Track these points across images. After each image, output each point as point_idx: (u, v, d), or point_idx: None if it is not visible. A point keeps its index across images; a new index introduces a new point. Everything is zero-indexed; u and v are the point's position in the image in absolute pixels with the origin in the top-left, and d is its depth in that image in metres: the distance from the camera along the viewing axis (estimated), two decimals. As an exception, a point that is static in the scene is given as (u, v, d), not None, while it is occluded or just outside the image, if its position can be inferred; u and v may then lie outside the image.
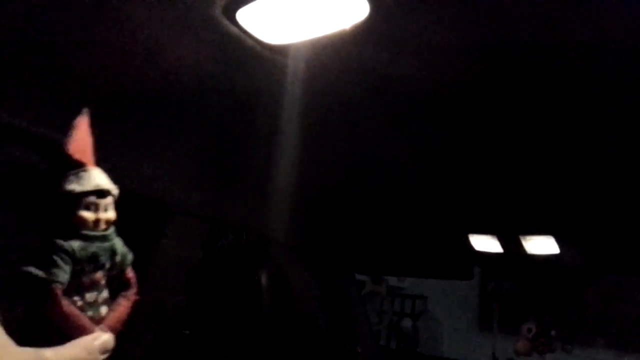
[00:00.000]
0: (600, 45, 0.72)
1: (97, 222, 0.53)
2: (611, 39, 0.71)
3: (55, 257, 0.50)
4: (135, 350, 1.24)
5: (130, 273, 0.58)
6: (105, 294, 0.54)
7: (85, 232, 0.52)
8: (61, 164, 0.53)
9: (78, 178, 0.53)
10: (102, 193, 0.54)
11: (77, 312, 0.50)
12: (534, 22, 0.70)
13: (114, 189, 0.56)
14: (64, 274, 0.50)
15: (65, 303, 0.49)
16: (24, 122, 0.93)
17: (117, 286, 0.56)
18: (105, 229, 0.54)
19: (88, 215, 0.53)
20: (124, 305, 0.56)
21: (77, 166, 0.54)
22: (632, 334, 3.91)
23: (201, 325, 1.86)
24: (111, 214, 0.55)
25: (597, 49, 0.73)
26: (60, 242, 0.50)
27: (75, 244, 0.51)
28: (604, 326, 4.07)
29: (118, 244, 0.56)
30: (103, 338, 0.51)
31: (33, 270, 0.49)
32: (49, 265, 0.49)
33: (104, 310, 0.54)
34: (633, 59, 0.74)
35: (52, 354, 0.47)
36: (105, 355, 0.52)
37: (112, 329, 0.53)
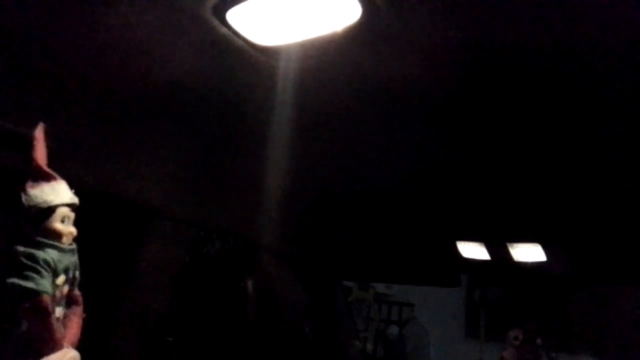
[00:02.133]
0: (599, 47, 0.72)
1: (68, 235, 0.53)
2: (611, 40, 0.70)
3: (39, 267, 0.48)
4: (119, 356, 1.21)
5: (77, 290, 0.57)
6: (63, 309, 0.54)
7: (58, 244, 0.52)
8: (32, 173, 0.53)
9: (53, 190, 0.52)
10: (73, 206, 0.54)
11: (60, 326, 0.49)
12: (528, 22, 0.70)
13: (77, 201, 0.56)
14: (49, 284, 0.49)
15: (53, 316, 0.48)
16: (7, 123, 0.91)
17: (66, 303, 0.55)
18: (71, 243, 0.54)
19: (62, 227, 0.52)
20: (76, 322, 0.55)
21: (48, 178, 0.53)
22: (615, 342, 3.95)
23: (186, 332, 1.83)
24: (74, 229, 0.55)
25: (595, 50, 0.73)
26: (41, 252, 0.49)
27: (55, 255, 0.50)
28: (588, 335, 4.11)
29: (77, 259, 0.55)
30: (71, 354, 0.51)
31: (18, 281, 0.47)
32: (33, 276, 0.48)
33: (62, 326, 0.53)
34: (631, 62, 0.74)
35: None
36: None
37: (72, 346, 0.53)
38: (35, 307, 0.47)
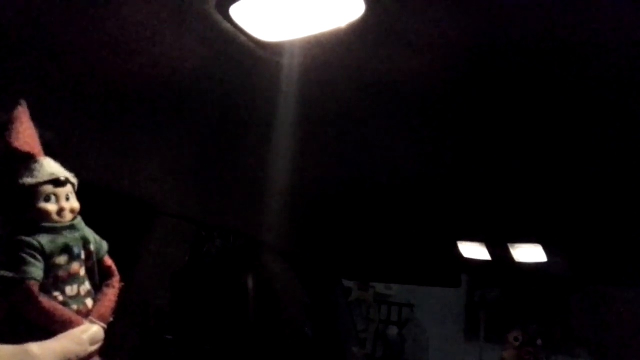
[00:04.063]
0: (600, 46, 0.72)
1: (60, 211, 0.51)
2: (611, 40, 0.70)
3: (23, 255, 0.47)
4: (118, 353, 1.21)
5: (108, 261, 0.55)
6: (87, 285, 0.52)
7: (49, 224, 0.50)
8: (9, 159, 0.50)
9: (30, 170, 0.50)
10: (58, 182, 0.51)
11: (59, 306, 0.48)
12: (531, 19, 0.70)
13: (71, 177, 0.53)
14: (36, 270, 0.47)
15: (44, 299, 0.48)
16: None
17: (98, 277, 0.54)
18: (72, 219, 0.52)
19: (49, 206, 0.50)
20: (109, 293, 0.53)
21: (26, 158, 0.51)
22: (615, 344, 3.94)
23: (185, 330, 1.83)
24: (74, 203, 0.52)
25: (596, 49, 0.73)
26: (26, 238, 0.48)
27: (42, 238, 0.49)
28: (588, 336, 4.10)
29: (88, 232, 0.54)
30: (92, 329, 0.50)
31: (2, 272, 0.47)
32: (18, 264, 0.47)
33: (89, 302, 0.52)
34: (631, 60, 0.74)
35: (38, 347, 0.45)
36: (95, 346, 0.50)
37: (101, 319, 0.52)
38: (20, 294, 0.47)
